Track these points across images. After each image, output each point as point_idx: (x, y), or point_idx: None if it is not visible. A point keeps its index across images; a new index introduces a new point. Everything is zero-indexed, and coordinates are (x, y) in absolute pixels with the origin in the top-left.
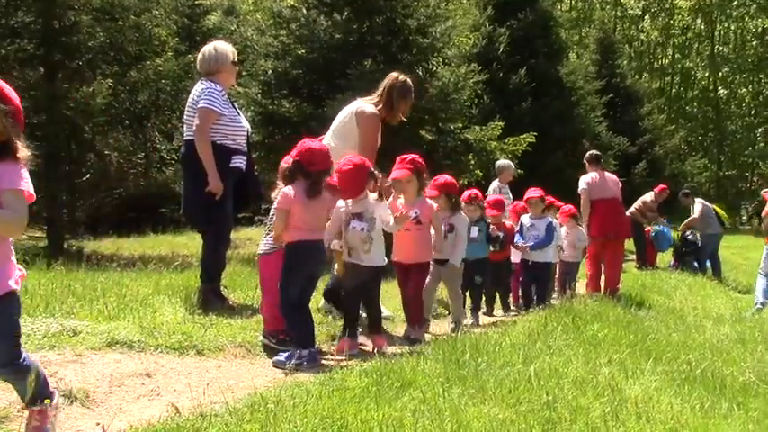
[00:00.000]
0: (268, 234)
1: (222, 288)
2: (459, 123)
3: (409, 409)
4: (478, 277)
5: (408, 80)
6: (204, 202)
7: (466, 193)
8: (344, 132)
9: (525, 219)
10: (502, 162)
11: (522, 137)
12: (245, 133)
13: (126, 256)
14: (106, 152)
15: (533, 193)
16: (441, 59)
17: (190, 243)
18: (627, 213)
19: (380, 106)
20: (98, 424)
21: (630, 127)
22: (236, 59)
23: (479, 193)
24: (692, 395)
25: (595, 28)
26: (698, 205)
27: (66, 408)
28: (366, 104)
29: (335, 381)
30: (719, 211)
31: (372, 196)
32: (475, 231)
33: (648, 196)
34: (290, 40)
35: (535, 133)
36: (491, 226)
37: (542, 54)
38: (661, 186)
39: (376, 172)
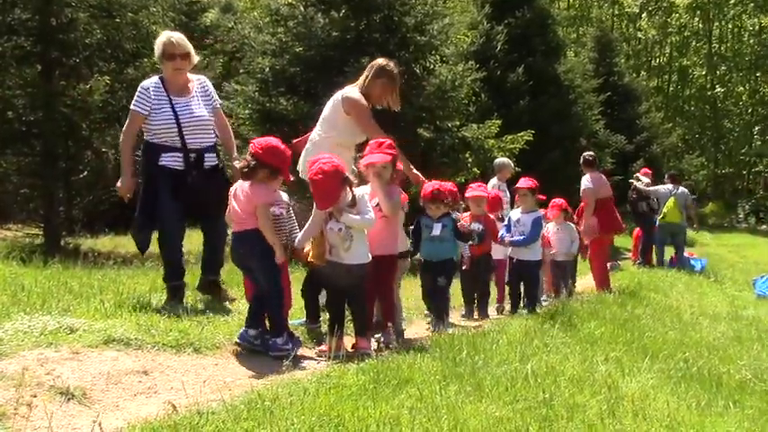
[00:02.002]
0: None
1: (221, 283)
2: (456, 121)
3: (406, 406)
4: (442, 279)
5: (386, 62)
6: (150, 203)
7: (428, 189)
8: (332, 119)
9: (514, 213)
10: (500, 160)
11: (519, 135)
12: (175, 129)
13: (123, 254)
14: (103, 149)
15: (524, 183)
16: (438, 57)
17: (186, 240)
18: (640, 211)
19: (363, 91)
20: (95, 421)
21: (628, 125)
22: (173, 52)
23: (444, 189)
24: (688, 393)
25: (593, 26)
26: (664, 187)
27: (63, 405)
28: (350, 89)
29: (332, 378)
30: (670, 206)
31: (347, 199)
32: (438, 228)
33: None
34: (287, 38)
35: (533, 131)
36: (461, 221)
37: (540, 52)
38: (643, 171)
39: (350, 177)
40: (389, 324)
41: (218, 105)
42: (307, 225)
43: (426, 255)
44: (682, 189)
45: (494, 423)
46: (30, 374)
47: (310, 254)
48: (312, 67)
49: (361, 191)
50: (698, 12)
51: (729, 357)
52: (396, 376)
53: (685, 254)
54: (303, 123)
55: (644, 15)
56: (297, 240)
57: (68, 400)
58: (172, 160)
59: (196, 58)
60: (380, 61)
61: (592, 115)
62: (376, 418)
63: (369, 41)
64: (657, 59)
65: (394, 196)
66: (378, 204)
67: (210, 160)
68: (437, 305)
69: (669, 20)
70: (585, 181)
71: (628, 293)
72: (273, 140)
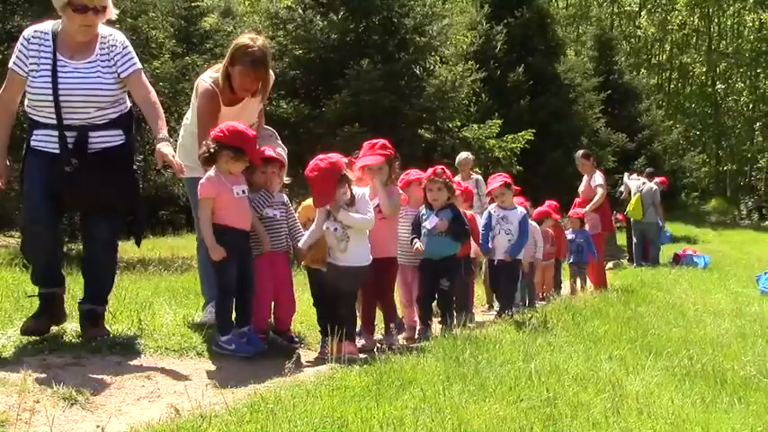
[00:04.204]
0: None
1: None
2: (457, 122)
3: (410, 407)
4: (444, 281)
5: (244, 42)
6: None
7: (430, 169)
8: (192, 104)
9: (495, 209)
10: (464, 155)
11: (520, 134)
12: (50, 99)
13: (125, 259)
14: None
15: (494, 182)
16: (438, 58)
17: (189, 245)
18: None
19: (218, 75)
20: (98, 426)
21: (629, 123)
22: (84, 3)
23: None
24: (692, 390)
25: (592, 25)
26: (633, 182)
27: (66, 410)
28: (207, 73)
29: (335, 380)
30: (633, 202)
31: (344, 198)
32: (434, 221)
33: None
34: (286, 41)
35: (533, 131)
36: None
37: (540, 51)
38: (660, 180)
39: (348, 173)
40: (391, 325)
41: (132, 71)
42: (311, 227)
43: (424, 251)
44: (648, 186)
45: (497, 423)
46: (32, 380)
47: (309, 257)
48: (312, 70)
49: (361, 191)
50: (697, 9)
51: (734, 354)
52: (399, 377)
53: (689, 251)
54: (304, 126)
55: (643, 13)
56: (301, 242)
57: (71, 405)
58: (44, 140)
59: (114, 12)
60: (240, 41)
61: (592, 114)
62: (379, 419)
63: (368, 43)
64: (657, 57)
65: (393, 197)
66: (377, 205)
67: (100, 141)
68: (444, 310)
69: (669, 17)
70: (598, 178)
71: (631, 291)
72: (235, 123)
